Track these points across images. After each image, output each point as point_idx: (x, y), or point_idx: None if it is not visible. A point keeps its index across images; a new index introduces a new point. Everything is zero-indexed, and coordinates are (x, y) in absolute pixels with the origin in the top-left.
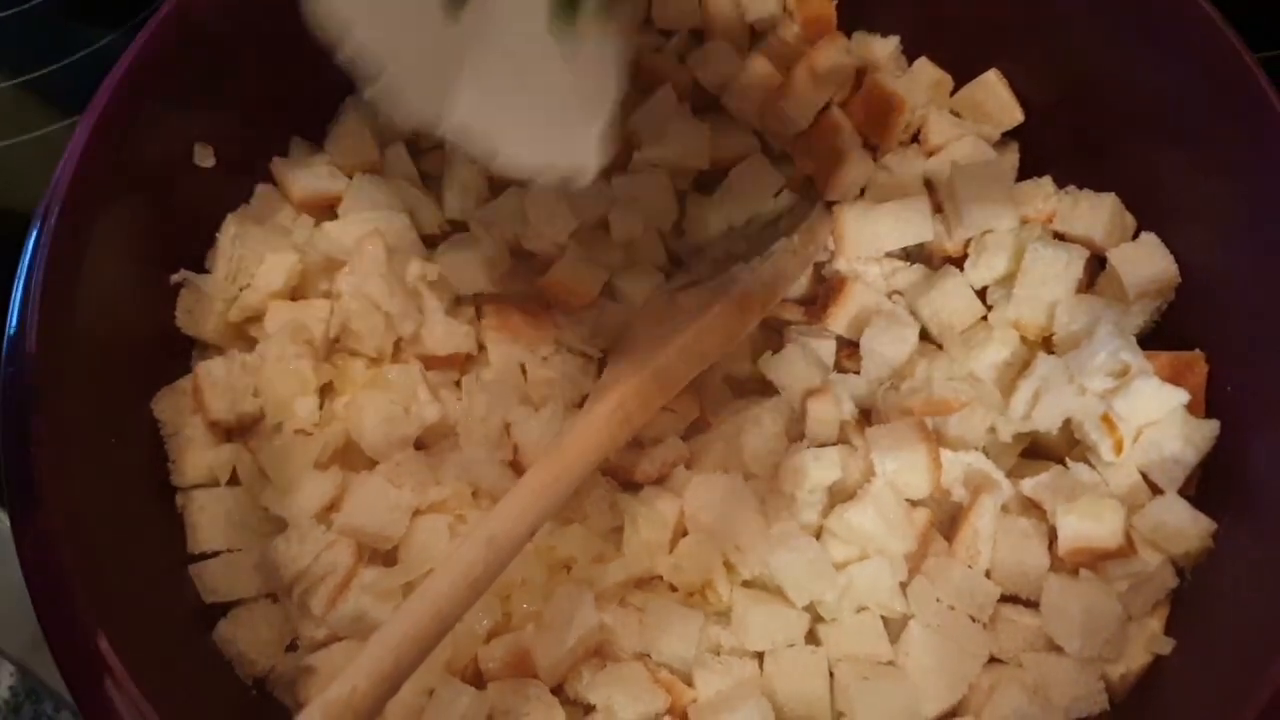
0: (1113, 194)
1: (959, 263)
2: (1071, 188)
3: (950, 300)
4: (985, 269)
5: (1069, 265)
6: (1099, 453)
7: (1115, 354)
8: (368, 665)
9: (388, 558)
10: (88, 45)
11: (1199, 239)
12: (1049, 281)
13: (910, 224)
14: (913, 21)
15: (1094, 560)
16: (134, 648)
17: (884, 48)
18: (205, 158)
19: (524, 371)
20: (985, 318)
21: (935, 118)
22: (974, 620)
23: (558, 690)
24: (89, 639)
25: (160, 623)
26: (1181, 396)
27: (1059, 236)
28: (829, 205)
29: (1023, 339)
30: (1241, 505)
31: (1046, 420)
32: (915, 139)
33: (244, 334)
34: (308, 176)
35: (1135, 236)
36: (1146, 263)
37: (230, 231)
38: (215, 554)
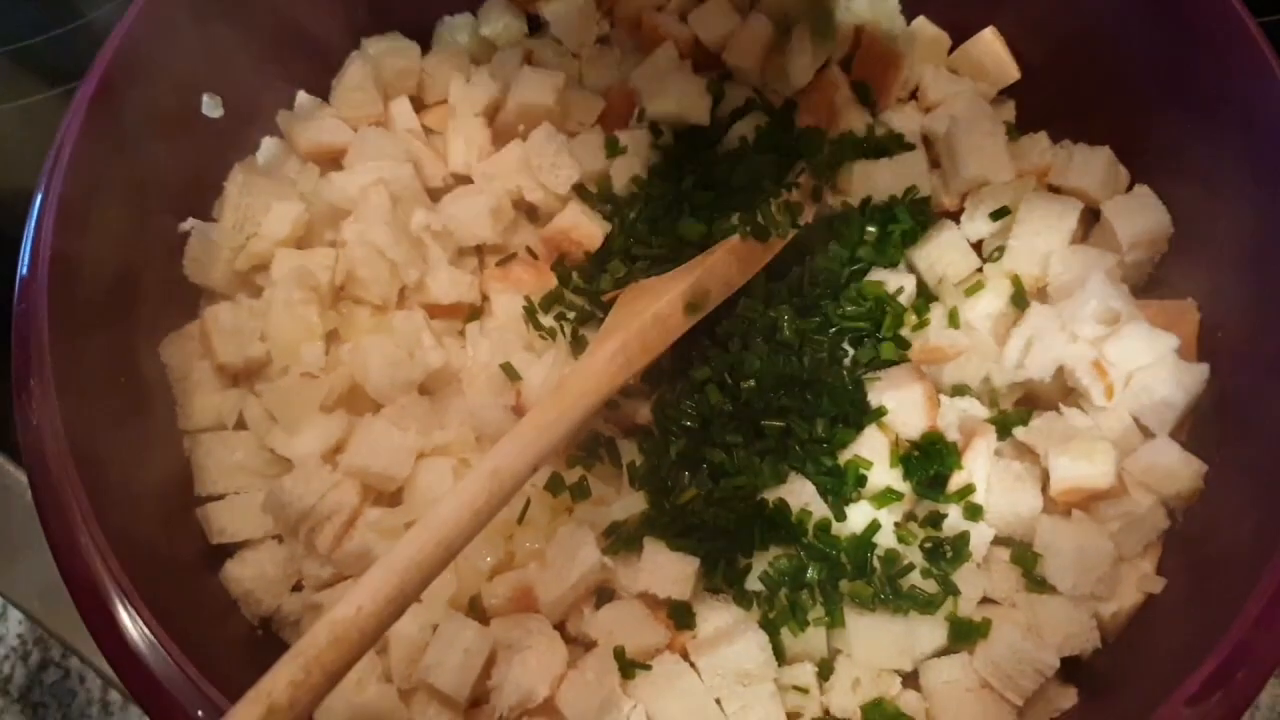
0: (1107, 148)
1: (955, 216)
2: (1066, 142)
3: (946, 253)
4: (981, 222)
5: (1063, 216)
6: (1090, 397)
7: (1105, 302)
8: (373, 586)
9: (392, 499)
10: (78, 17)
11: (1193, 191)
12: (1043, 233)
13: (908, 178)
14: None
15: (1086, 501)
16: (146, 587)
17: (883, 6)
18: (214, 108)
19: (526, 320)
20: (980, 270)
21: (933, 75)
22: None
23: (559, 627)
24: (102, 579)
25: (170, 563)
26: (1171, 341)
27: (1054, 190)
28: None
29: (1017, 290)
30: (1232, 447)
31: (1039, 368)
32: (913, 96)
33: (250, 282)
34: (313, 128)
35: (1129, 190)
36: (1139, 215)
37: (238, 180)
38: (222, 496)
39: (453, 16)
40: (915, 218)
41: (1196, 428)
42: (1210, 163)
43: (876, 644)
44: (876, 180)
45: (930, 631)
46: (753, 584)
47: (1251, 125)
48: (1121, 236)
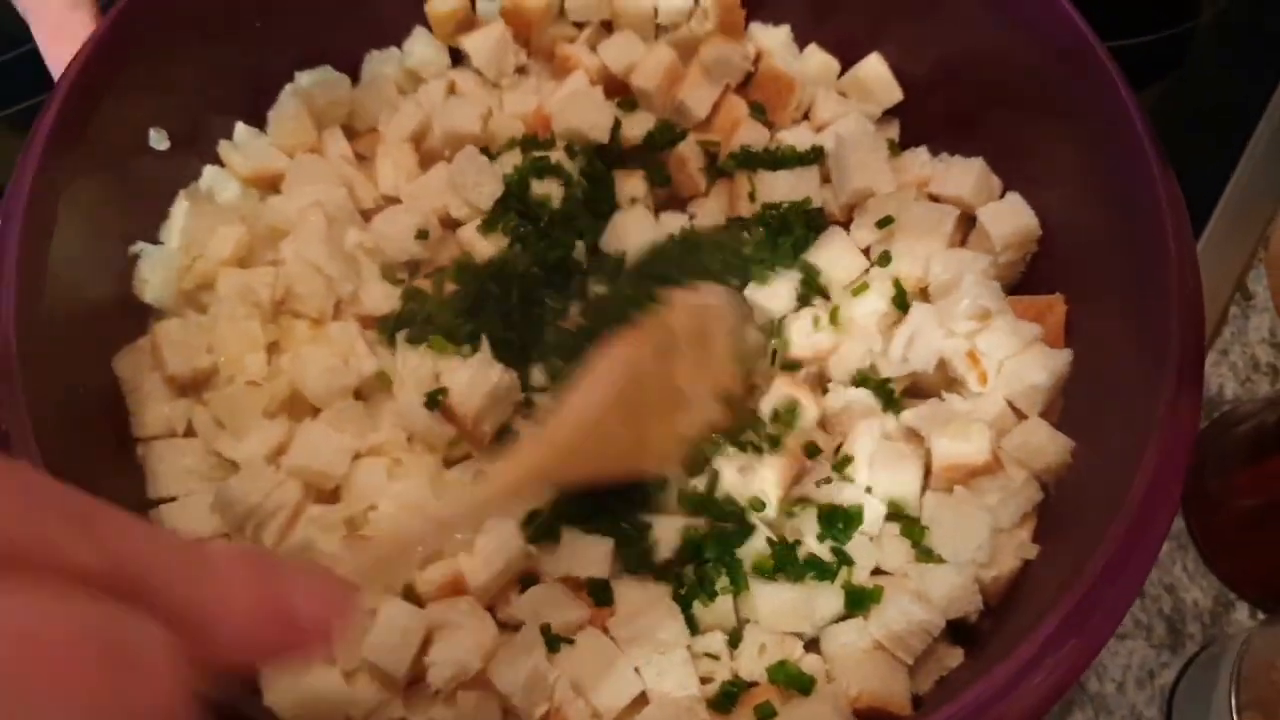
0: (980, 159)
1: (845, 225)
2: (944, 155)
3: (837, 257)
4: (867, 230)
5: (940, 222)
6: (968, 385)
7: (977, 299)
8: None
9: (331, 496)
10: (18, 46)
11: (1058, 197)
12: (923, 238)
13: (802, 190)
14: (803, 11)
15: (966, 477)
16: None
17: (777, 36)
18: (160, 141)
19: None
20: (867, 271)
21: (823, 97)
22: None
23: (490, 611)
24: None
25: None
26: (1035, 330)
27: (933, 199)
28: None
29: (899, 291)
30: (1092, 423)
31: (921, 361)
32: (806, 116)
33: (196, 299)
34: (252, 157)
35: (1002, 197)
36: (1010, 218)
37: (183, 207)
38: (174, 498)
39: (380, 51)
40: (810, 225)
41: (1068, 408)
42: (1072, 172)
43: (779, 609)
44: (774, 190)
45: (828, 600)
46: (662, 555)
47: (1103, 141)
48: (994, 239)
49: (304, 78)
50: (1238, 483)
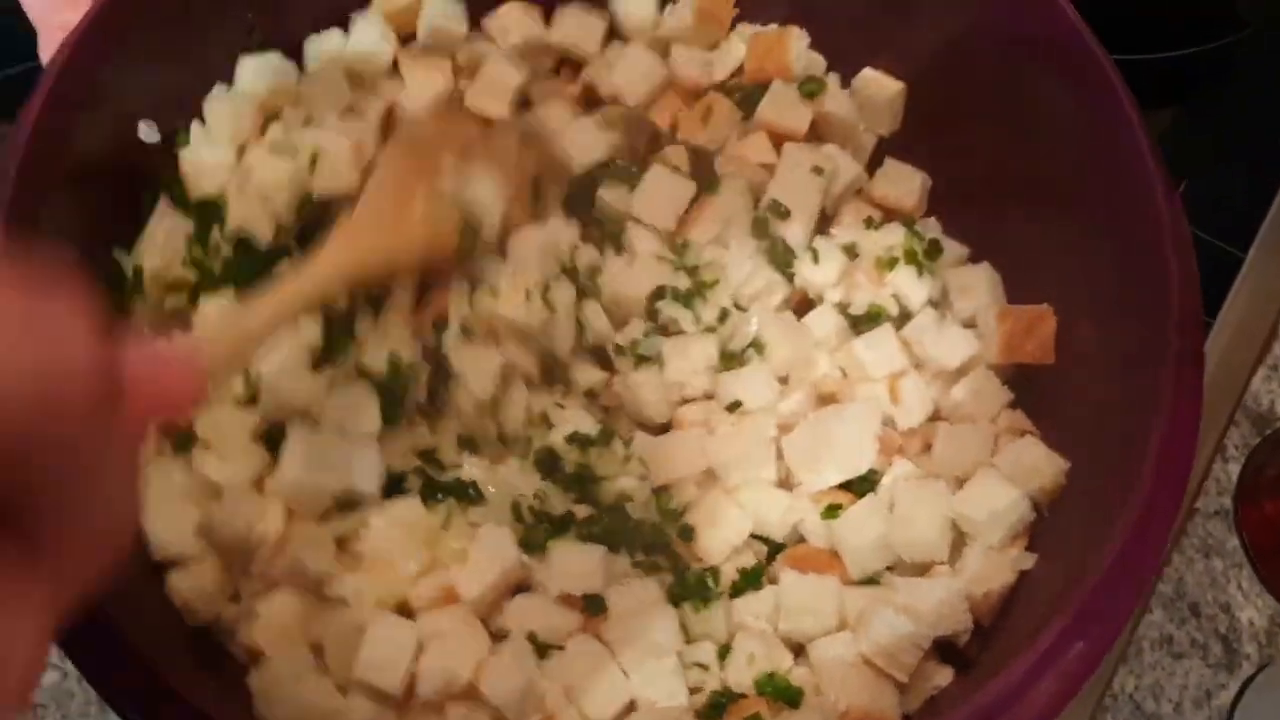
0: (986, 263)
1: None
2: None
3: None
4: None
5: None
6: None
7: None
8: None
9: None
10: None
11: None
12: None
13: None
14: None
15: None
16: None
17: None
18: (151, 134)
19: None
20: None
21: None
22: None
23: (484, 624)
24: None
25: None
26: None
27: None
28: None
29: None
30: (1084, 442)
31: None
32: None
33: (184, 319)
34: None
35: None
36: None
37: (165, 225)
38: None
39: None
40: None
41: (1062, 424)
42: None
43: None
44: None
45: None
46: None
47: (1103, 148)
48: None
49: (245, 65)
50: None
